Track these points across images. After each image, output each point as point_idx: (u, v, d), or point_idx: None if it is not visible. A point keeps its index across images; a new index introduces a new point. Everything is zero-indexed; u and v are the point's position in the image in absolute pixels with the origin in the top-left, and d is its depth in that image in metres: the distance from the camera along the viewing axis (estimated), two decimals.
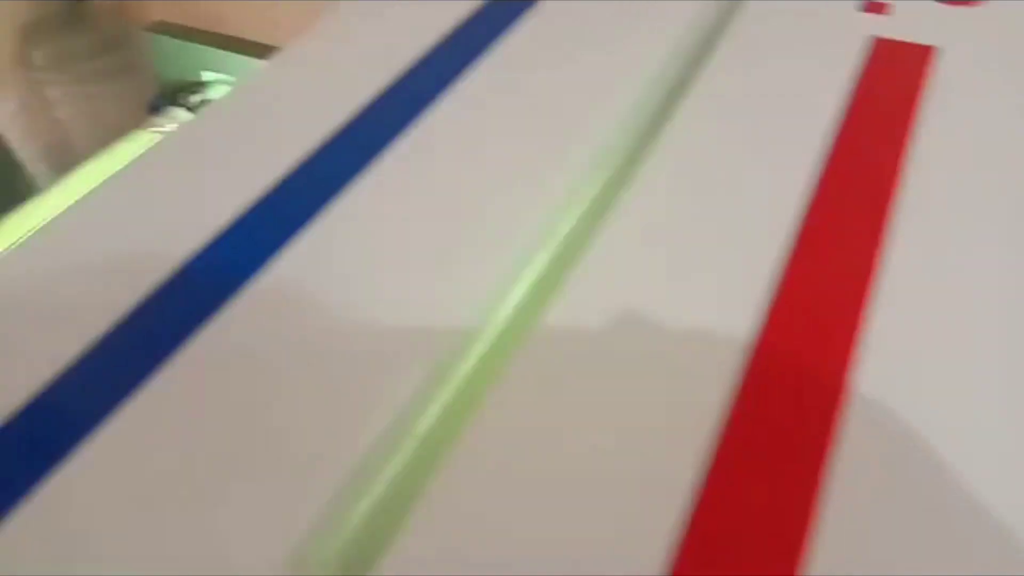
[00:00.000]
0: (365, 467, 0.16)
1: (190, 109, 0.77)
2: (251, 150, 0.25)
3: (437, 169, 0.24)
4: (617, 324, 0.19)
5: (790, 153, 0.24)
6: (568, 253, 0.21)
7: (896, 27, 0.29)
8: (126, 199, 0.24)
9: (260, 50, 0.75)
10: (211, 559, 0.15)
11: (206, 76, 0.79)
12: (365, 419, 0.17)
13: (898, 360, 0.18)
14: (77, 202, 0.23)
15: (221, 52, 0.76)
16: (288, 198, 0.23)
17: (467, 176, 0.24)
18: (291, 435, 0.17)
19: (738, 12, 0.31)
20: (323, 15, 0.31)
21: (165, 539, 0.15)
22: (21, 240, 0.22)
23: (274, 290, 0.20)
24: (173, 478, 0.16)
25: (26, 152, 0.99)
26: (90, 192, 0.24)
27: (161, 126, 0.80)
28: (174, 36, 0.78)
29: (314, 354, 0.19)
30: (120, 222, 0.23)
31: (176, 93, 0.79)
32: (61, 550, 0.15)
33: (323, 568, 0.15)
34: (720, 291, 0.20)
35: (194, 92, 0.78)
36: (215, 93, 0.78)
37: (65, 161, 1.04)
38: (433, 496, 0.16)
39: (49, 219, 0.23)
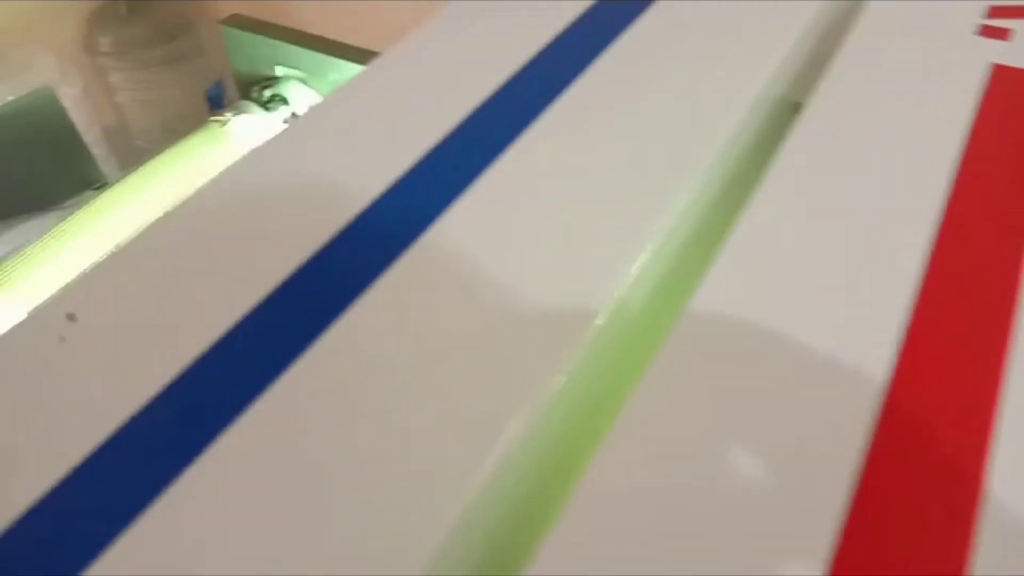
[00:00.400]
0: (506, 463, 0.16)
1: (262, 103, 0.78)
2: (353, 157, 0.25)
3: (551, 172, 0.24)
4: (743, 342, 0.19)
5: (911, 188, 0.23)
6: (690, 269, 0.21)
7: (1017, 53, 0.29)
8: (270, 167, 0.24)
9: (334, 47, 0.76)
10: (348, 557, 0.15)
11: (279, 71, 0.80)
12: (508, 411, 0.17)
13: None
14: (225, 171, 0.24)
15: (295, 48, 0.77)
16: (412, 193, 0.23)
17: (578, 182, 0.23)
18: (432, 426, 0.17)
19: (853, 22, 0.30)
20: (427, 15, 0.31)
21: (300, 535, 0.15)
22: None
23: (420, 267, 0.20)
24: (313, 465, 0.16)
25: (88, 135, 1.01)
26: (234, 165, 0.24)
27: (222, 116, 0.81)
28: (248, 30, 0.79)
29: (457, 338, 0.19)
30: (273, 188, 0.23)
31: (249, 87, 0.80)
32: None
33: (463, 569, 0.15)
34: (850, 323, 0.20)
35: (267, 86, 0.79)
36: (287, 88, 0.79)
37: (124, 145, 1.06)
38: (577, 498, 0.16)
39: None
